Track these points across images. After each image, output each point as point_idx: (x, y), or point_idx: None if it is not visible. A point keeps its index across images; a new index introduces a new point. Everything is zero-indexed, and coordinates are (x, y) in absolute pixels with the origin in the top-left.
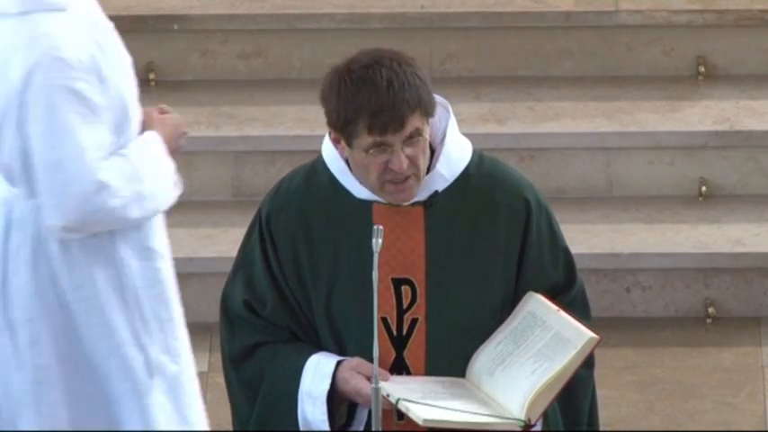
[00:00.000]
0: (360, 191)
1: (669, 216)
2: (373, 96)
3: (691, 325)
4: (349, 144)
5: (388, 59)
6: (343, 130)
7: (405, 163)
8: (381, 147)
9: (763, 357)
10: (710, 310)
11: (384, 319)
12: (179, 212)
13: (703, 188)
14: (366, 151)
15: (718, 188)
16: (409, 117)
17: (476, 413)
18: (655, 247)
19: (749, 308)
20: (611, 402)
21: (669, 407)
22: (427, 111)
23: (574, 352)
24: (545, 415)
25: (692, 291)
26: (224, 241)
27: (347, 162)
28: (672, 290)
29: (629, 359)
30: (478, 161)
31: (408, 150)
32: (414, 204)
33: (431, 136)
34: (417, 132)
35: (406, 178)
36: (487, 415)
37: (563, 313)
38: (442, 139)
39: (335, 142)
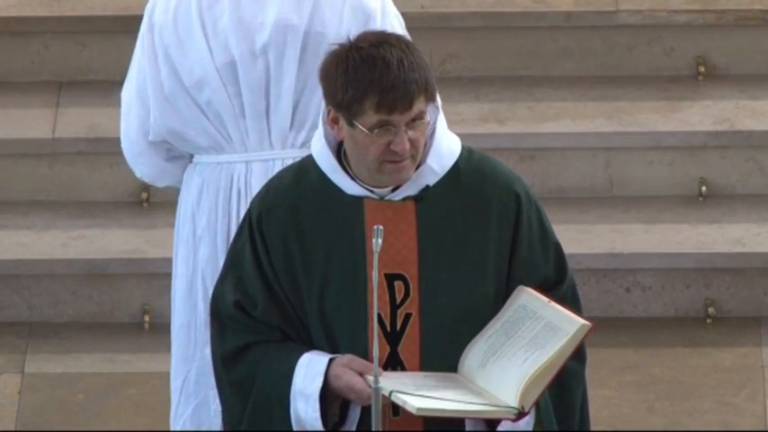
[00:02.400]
0: (351, 187)
1: (669, 216)
2: (384, 74)
3: (691, 325)
4: (350, 123)
5: (395, 39)
6: (348, 107)
7: (407, 144)
8: (386, 127)
9: (763, 357)
10: (710, 310)
11: (377, 315)
12: None
13: (703, 188)
14: (370, 130)
15: (718, 188)
16: (416, 98)
17: (469, 402)
18: (655, 247)
19: (749, 308)
20: (611, 402)
21: (669, 407)
22: (432, 95)
23: (566, 339)
24: (538, 410)
25: (692, 291)
26: None
27: (339, 147)
28: (672, 290)
29: (629, 359)
30: (468, 156)
31: (411, 133)
32: (405, 199)
33: None
34: (421, 115)
35: (404, 159)
36: (481, 404)
37: (554, 304)
38: (432, 134)
39: (333, 122)
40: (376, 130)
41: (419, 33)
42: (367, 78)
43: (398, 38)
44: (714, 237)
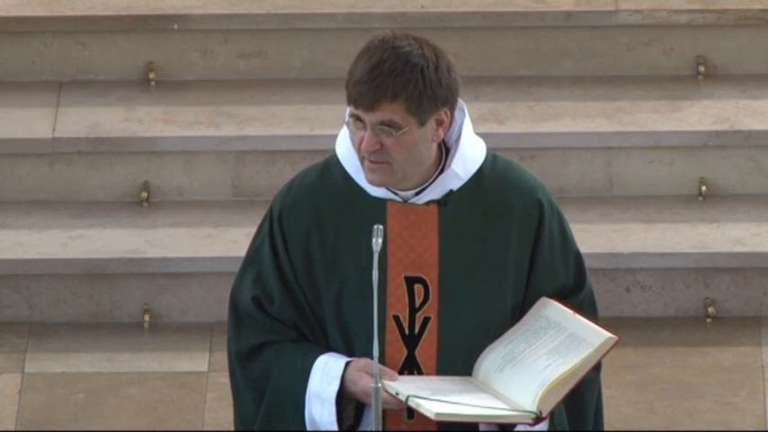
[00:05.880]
0: (374, 189)
1: (669, 216)
2: (363, 68)
3: (690, 325)
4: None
5: (409, 45)
6: (346, 90)
7: (372, 145)
8: (358, 120)
9: (763, 357)
10: (710, 309)
11: (396, 318)
12: (179, 212)
13: (703, 188)
14: (351, 120)
15: (718, 188)
16: (384, 104)
17: (487, 407)
18: (655, 246)
19: (749, 308)
20: (611, 402)
21: (669, 406)
22: (411, 109)
23: (590, 350)
24: (551, 416)
25: (692, 290)
26: (224, 241)
27: None
28: (672, 289)
29: (629, 359)
30: (492, 161)
31: (382, 137)
32: (428, 203)
33: (447, 135)
34: (392, 124)
35: (380, 162)
36: (499, 408)
37: (579, 316)
38: (457, 139)
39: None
40: (353, 121)
41: (419, 33)
42: (354, 67)
43: (429, 47)
44: (714, 236)
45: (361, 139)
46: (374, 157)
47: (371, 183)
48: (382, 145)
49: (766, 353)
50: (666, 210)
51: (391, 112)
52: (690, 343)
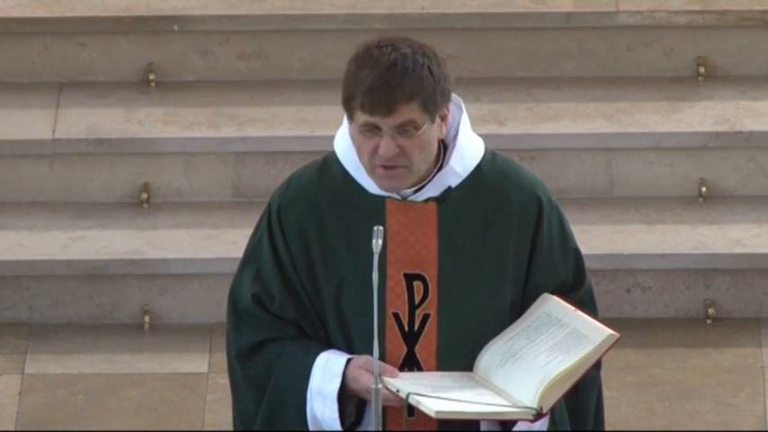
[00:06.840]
0: (373, 186)
1: (669, 216)
2: (371, 74)
3: (690, 326)
4: (350, 121)
5: (407, 46)
6: (345, 105)
7: (392, 150)
8: (372, 128)
9: (763, 358)
10: (710, 310)
11: (396, 315)
12: (179, 213)
13: (703, 189)
14: (360, 131)
15: (719, 189)
16: (402, 105)
17: (488, 404)
18: (655, 247)
19: (749, 308)
20: (611, 403)
21: (669, 407)
22: (427, 106)
23: (592, 347)
24: (552, 413)
25: (692, 291)
26: (224, 242)
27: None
28: (672, 290)
29: (629, 360)
30: (491, 159)
31: (401, 140)
32: (427, 200)
33: (444, 132)
34: (411, 124)
35: (397, 166)
36: (500, 405)
37: (580, 313)
38: (455, 136)
39: (349, 119)
40: (364, 132)
41: (419, 34)
42: (357, 77)
43: (414, 45)
44: (714, 237)
45: (374, 147)
46: (392, 162)
47: (387, 189)
48: (401, 148)
49: (766, 354)
50: (667, 211)
51: (409, 111)
52: (690, 344)
